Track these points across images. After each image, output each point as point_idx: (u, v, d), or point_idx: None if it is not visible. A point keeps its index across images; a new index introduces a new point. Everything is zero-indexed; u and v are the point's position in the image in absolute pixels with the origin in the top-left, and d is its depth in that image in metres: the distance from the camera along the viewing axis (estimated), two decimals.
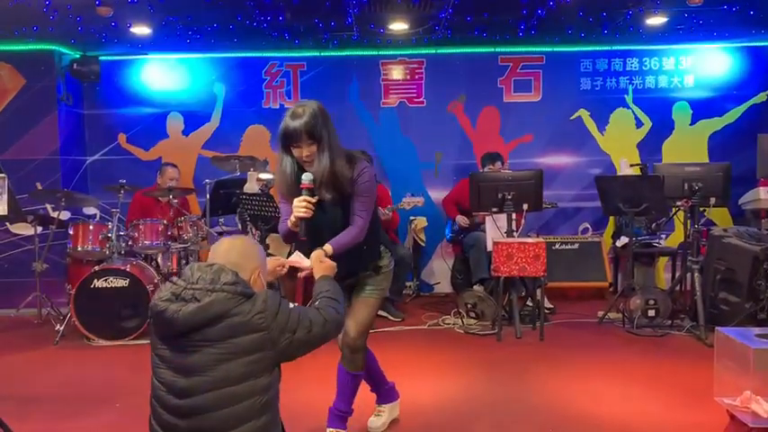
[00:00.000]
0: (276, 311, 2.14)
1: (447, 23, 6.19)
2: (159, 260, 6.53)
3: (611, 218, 7.98)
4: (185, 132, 8.01)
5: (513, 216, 6.20)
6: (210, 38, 6.68)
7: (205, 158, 7.63)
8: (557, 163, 8.00)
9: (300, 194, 2.91)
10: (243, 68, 7.95)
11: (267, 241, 6.41)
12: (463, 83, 7.93)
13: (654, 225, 7.16)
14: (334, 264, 2.77)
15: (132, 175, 7.44)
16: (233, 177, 6.75)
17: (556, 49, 7.87)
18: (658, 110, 7.96)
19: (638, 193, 6.17)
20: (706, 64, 7.93)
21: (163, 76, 7.93)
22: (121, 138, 7.97)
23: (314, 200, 2.91)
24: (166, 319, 2.09)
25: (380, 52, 7.83)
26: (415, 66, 7.95)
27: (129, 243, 6.24)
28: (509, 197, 6.15)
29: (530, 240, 5.89)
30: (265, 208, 6.05)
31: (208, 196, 6.50)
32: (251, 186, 6.34)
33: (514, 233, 6.22)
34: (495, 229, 6.41)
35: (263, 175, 7.14)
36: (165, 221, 6.32)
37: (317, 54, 7.87)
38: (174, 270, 6.57)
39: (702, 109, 7.96)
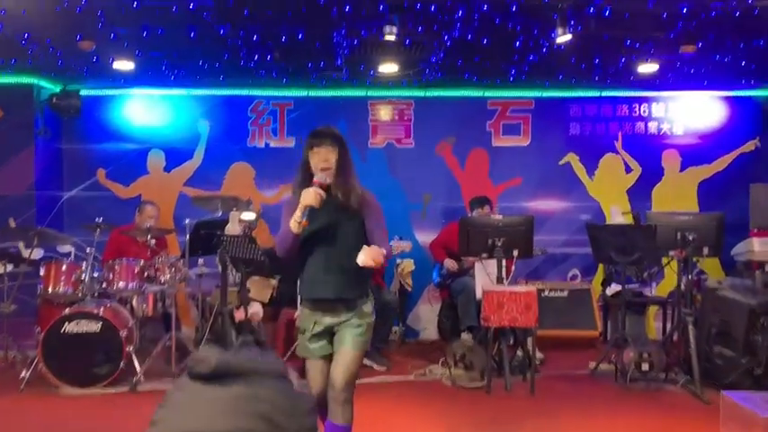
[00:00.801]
0: None
1: (438, 66, 6.10)
2: (134, 302, 6.26)
3: (601, 265, 7.85)
4: (167, 169, 7.81)
5: (504, 262, 6.06)
6: (195, 74, 6.54)
7: (186, 196, 7.42)
8: (545, 208, 7.89)
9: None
10: (228, 106, 7.80)
11: (248, 284, 6.18)
12: (452, 125, 7.84)
13: (645, 274, 7.02)
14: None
15: (110, 212, 7.19)
16: (214, 218, 6.52)
17: (545, 93, 7.82)
18: (648, 156, 7.91)
19: (631, 242, 6.05)
20: (695, 111, 7.92)
21: (145, 111, 7.77)
22: (100, 173, 7.74)
23: (322, 193, 3.03)
24: None
25: (369, 93, 7.73)
26: (404, 107, 7.86)
27: (104, 285, 5.98)
28: (499, 243, 6.02)
29: (521, 289, 5.72)
30: (247, 250, 5.82)
31: (187, 236, 6.26)
32: (233, 228, 6.12)
33: (504, 280, 6.06)
34: (484, 275, 6.26)
35: (246, 216, 6.92)
36: (142, 262, 6.07)
37: (305, 93, 7.76)
38: (150, 313, 6.31)
39: (692, 156, 7.92)
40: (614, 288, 7.36)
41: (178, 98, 7.76)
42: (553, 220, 7.87)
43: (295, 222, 3.04)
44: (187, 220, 6.27)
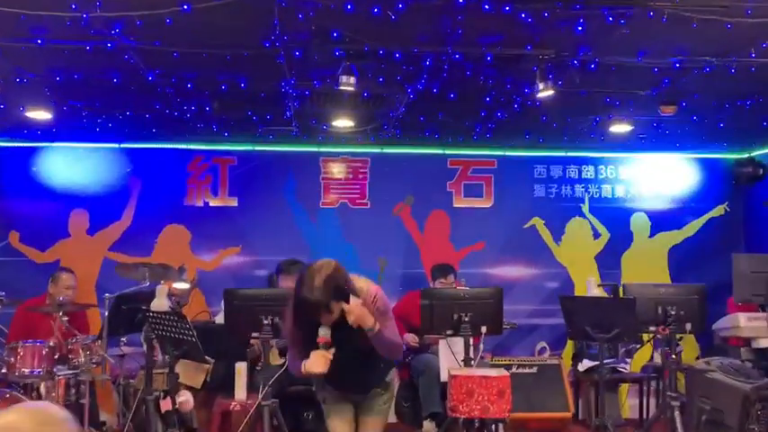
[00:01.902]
0: None
1: (397, 122, 5.52)
2: (42, 390, 5.32)
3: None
4: (90, 231, 6.95)
5: (471, 340, 5.40)
6: (123, 126, 5.77)
7: (112, 262, 6.55)
8: (510, 274, 7.32)
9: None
10: (163, 161, 7.04)
11: (177, 369, 5.32)
12: (410, 184, 7.25)
13: (623, 351, 6.46)
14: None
15: (24, 280, 6.29)
16: (138, 290, 5.70)
17: (508, 153, 7.34)
18: (616, 220, 7.48)
19: (609, 316, 5.46)
20: (664, 174, 7.56)
21: (67, 166, 6.92)
22: (13, 236, 6.81)
23: (331, 355, 2.89)
24: None
25: (321, 149, 7.09)
26: (359, 164, 7.24)
27: (3, 371, 5.05)
28: (466, 319, 5.35)
29: (493, 373, 5.03)
30: (176, 330, 5.01)
31: (106, 313, 5.39)
32: (160, 303, 5.26)
33: (472, 361, 5.38)
34: (449, 354, 5.59)
35: (179, 285, 6.15)
36: (51, 343, 5.17)
37: (250, 148, 7.06)
38: (61, 402, 5.37)
39: (661, 221, 7.52)
40: (587, 364, 6.81)
41: (105, 152, 6.96)
42: (518, 287, 7.28)
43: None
44: (107, 295, 5.43)
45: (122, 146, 6.93)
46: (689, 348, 6.94)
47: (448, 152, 7.28)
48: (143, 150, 6.99)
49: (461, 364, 5.33)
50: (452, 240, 7.32)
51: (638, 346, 6.17)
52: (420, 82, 4.21)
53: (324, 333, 2.84)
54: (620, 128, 5.94)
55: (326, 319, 2.83)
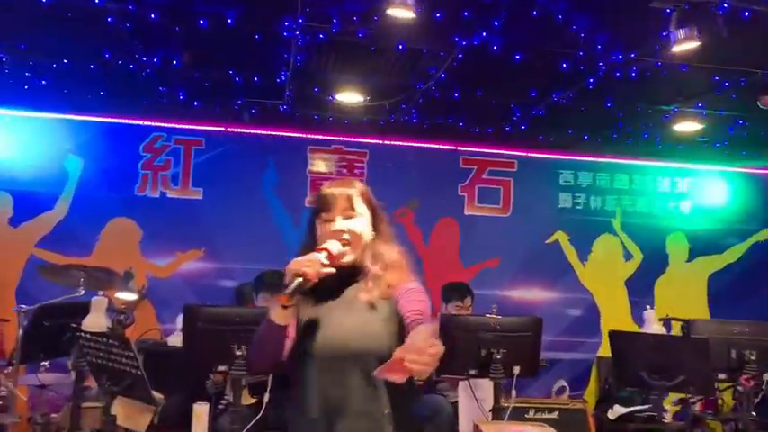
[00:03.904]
0: None
1: (421, 99, 4.27)
2: None
3: (593, 376, 6.15)
4: (13, 222, 5.57)
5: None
6: (62, 86, 4.38)
7: (39, 262, 5.17)
8: (527, 298, 6.19)
9: None
10: (112, 138, 5.69)
11: (115, 409, 3.99)
12: (415, 185, 6.05)
13: (691, 401, 5.37)
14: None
15: None
16: (69, 301, 4.34)
17: (531, 153, 6.20)
18: (650, 240, 6.43)
19: (674, 359, 4.37)
20: (705, 189, 6.54)
21: None
22: None
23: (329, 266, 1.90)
24: None
25: (310, 135, 5.80)
26: (355, 157, 5.98)
27: None
28: (498, 356, 4.17)
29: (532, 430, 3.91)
30: (116, 358, 3.69)
31: (20, 330, 4.02)
32: (96, 320, 3.92)
33: (504, 412, 4.19)
34: (470, 400, 4.39)
35: (124, 295, 4.83)
36: None
37: (222, 129, 5.74)
38: None
39: (701, 243, 6.49)
40: (619, 411, 5.70)
41: (37, 122, 5.55)
42: (537, 314, 6.11)
43: (277, 311, 1.88)
44: (22, 307, 4.03)
45: (60, 116, 5.53)
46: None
47: (461, 148, 6.09)
48: (87, 123, 5.61)
49: (489, 415, 4.16)
50: (461, 255, 6.12)
51: (699, 397, 5.08)
52: (481, 32, 2.99)
53: (333, 246, 1.92)
54: (687, 126, 4.84)
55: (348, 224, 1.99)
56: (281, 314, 1.88)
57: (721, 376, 4.45)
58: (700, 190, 6.55)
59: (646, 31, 2.93)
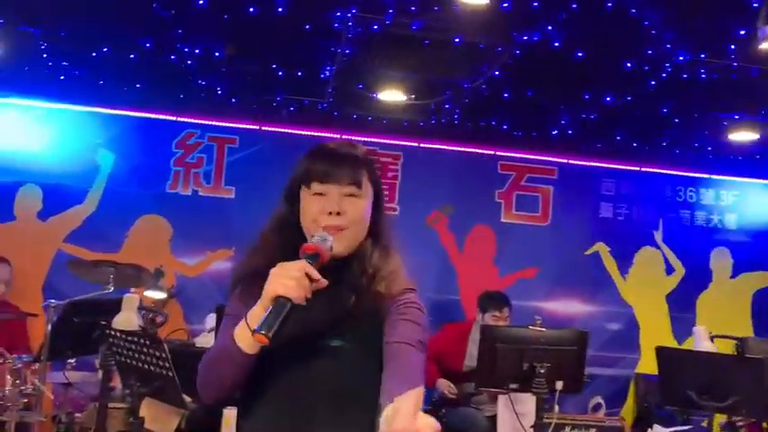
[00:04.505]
0: None
1: (467, 99, 4.09)
2: None
3: (631, 393, 5.93)
4: (42, 215, 5.44)
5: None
6: (97, 77, 4.26)
7: (67, 257, 5.07)
8: (564, 311, 5.97)
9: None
10: (144, 133, 5.58)
11: (143, 411, 3.85)
12: (450, 190, 5.89)
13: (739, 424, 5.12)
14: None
15: None
16: (99, 297, 4.23)
17: (572, 161, 6.01)
18: (693, 254, 6.20)
19: (725, 380, 4.13)
20: (752, 202, 6.28)
21: (18, 129, 5.38)
22: None
23: (318, 278, 1.38)
24: None
25: (345, 136, 5.65)
26: (389, 160, 5.82)
27: None
28: (542, 370, 3.98)
29: None
30: (147, 358, 3.56)
31: (49, 326, 3.89)
32: (127, 319, 3.79)
33: (546, 429, 4.00)
34: (510, 415, 4.23)
35: (154, 294, 4.72)
36: None
37: (257, 127, 5.61)
38: None
39: (746, 259, 6.24)
40: (659, 431, 5.48)
41: (69, 115, 5.45)
42: (574, 327, 5.91)
43: (246, 333, 1.37)
44: (52, 302, 3.91)
45: (92, 109, 5.43)
46: None
47: (500, 153, 5.91)
48: (119, 117, 5.50)
49: (530, 431, 3.97)
50: (497, 263, 5.93)
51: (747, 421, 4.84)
52: (545, 25, 2.82)
53: (319, 239, 1.43)
54: (742, 136, 4.62)
55: (341, 202, 1.49)
56: (251, 341, 1.35)
57: None
58: (745, 204, 6.31)
59: (722, 28, 2.75)
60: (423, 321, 1.51)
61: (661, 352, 4.43)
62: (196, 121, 5.59)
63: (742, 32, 2.77)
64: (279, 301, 1.30)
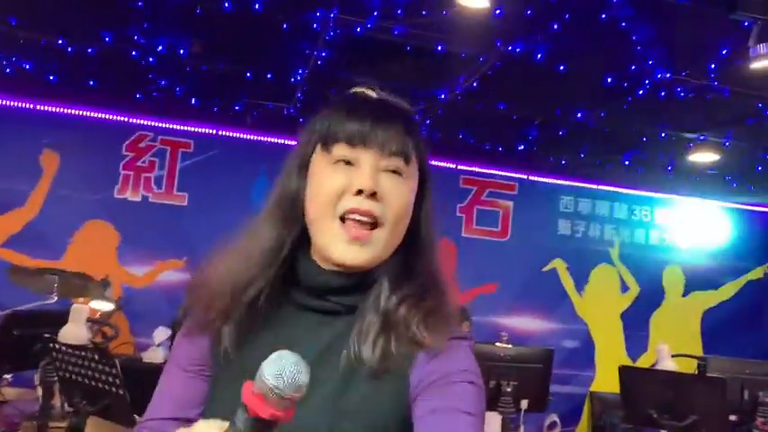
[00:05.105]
0: None
1: (441, 111, 4.00)
2: None
3: (586, 411, 5.93)
4: None
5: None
6: (49, 71, 3.98)
7: (4, 264, 4.70)
8: (522, 327, 5.93)
9: None
10: (92, 134, 5.25)
11: (87, 430, 3.58)
12: None
13: None
14: None
15: None
16: (43, 307, 3.93)
17: (532, 177, 6.01)
18: (647, 273, 6.26)
19: (686, 398, 4.15)
20: (702, 223, 6.43)
21: None
22: None
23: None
24: None
25: None
26: None
27: None
28: (508, 389, 3.92)
29: None
30: (95, 374, 3.30)
31: None
32: (75, 331, 3.51)
33: None
34: None
35: (100, 305, 4.43)
36: None
37: (213, 131, 5.38)
38: None
39: (696, 278, 6.36)
40: None
41: (13, 111, 5.08)
42: (531, 344, 5.87)
43: None
44: None
45: (39, 107, 5.09)
46: None
47: (462, 167, 5.85)
48: (67, 117, 5.17)
49: None
50: (458, 278, 5.84)
51: None
52: (533, 36, 2.75)
53: (269, 374, 0.70)
54: (704, 156, 4.69)
55: (378, 179, 0.96)
56: None
57: (732, 418, 4.27)
58: (697, 224, 6.44)
59: (707, 45, 2.75)
60: (478, 408, 0.93)
61: (623, 370, 4.43)
62: (149, 123, 5.30)
63: (724, 52, 2.79)
64: None
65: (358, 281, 0.98)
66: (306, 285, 0.99)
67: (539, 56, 2.94)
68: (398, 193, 0.98)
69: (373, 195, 0.95)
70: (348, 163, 0.97)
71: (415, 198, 1.03)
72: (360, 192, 0.94)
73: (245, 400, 0.70)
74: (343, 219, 0.95)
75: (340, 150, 0.97)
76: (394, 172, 0.98)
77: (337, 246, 0.95)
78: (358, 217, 0.95)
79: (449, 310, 1.01)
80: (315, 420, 0.89)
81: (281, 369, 0.69)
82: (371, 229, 0.96)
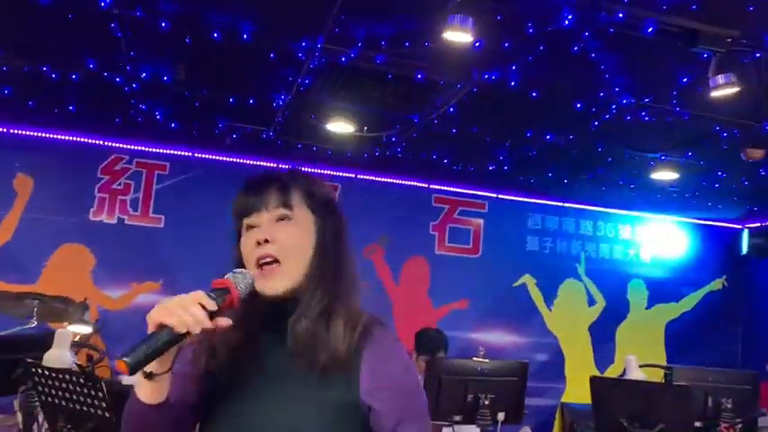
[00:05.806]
0: None
1: (416, 134, 4.15)
2: None
3: (557, 422, 6.09)
4: None
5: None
6: (29, 96, 4.00)
7: None
8: (494, 342, 6.06)
9: None
10: (68, 157, 5.26)
11: None
12: (386, 222, 5.88)
13: None
14: None
15: None
16: (22, 332, 3.92)
17: (501, 195, 6.19)
18: (613, 287, 6.48)
19: (655, 407, 4.32)
20: (663, 238, 6.70)
21: None
22: None
23: (213, 308, 1.16)
24: None
25: (282, 166, 5.57)
26: None
27: None
28: (486, 401, 4.03)
29: None
30: (78, 396, 3.30)
31: None
32: (60, 355, 3.52)
33: None
34: None
35: (79, 328, 4.43)
36: None
37: (189, 154, 5.43)
38: None
39: (659, 291, 6.61)
40: None
41: None
42: (502, 358, 6.01)
43: (140, 379, 1.20)
44: None
45: (12, 130, 5.08)
46: None
47: (434, 186, 6.00)
48: (41, 140, 5.17)
49: None
50: (431, 295, 5.98)
51: None
52: (510, 65, 2.91)
53: (235, 276, 1.23)
54: (664, 175, 4.93)
55: (273, 231, 1.30)
56: (146, 387, 1.19)
57: (697, 424, 4.46)
58: (658, 239, 6.70)
59: (668, 75, 2.95)
60: (414, 371, 1.41)
61: (594, 381, 4.58)
62: (124, 146, 5.33)
63: (685, 80, 2.99)
64: (157, 328, 1.12)
65: (287, 307, 1.29)
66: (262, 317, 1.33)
67: (512, 83, 3.10)
68: (286, 234, 1.30)
69: (267, 242, 1.28)
70: (253, 226, 1.32)
71: (321, 229, 1.36)
72: (258, 243, 1.28)
73: (214, 283, 1.20)
74: (260, 265, 1.28)
75: (246, 221, 1.33)
76: (283, 219, 1.31)
77: (259, 283, 1.27)
78: (263, 260, 1.28)
79: (356, 312, 1.38)
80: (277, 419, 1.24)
81: (244, 275, 1.23)
82: (277, 264, 1.28)
